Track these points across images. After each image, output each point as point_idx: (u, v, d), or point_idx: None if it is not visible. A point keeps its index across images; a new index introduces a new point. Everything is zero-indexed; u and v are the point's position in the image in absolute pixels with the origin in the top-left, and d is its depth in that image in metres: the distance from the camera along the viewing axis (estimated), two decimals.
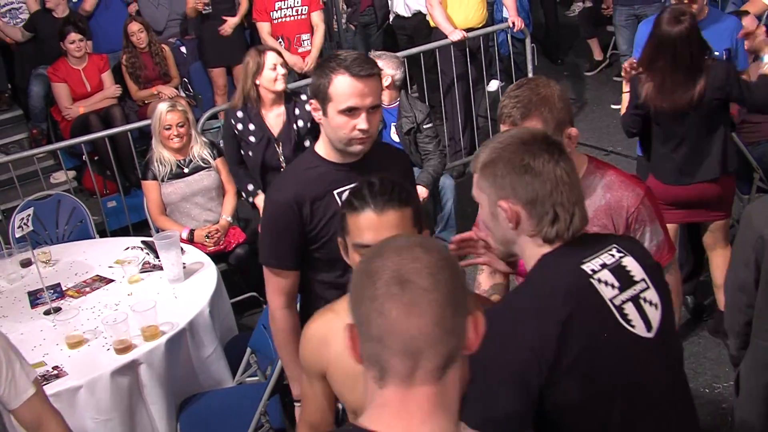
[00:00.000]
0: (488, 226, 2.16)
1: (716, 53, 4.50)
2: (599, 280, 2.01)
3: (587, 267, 2.02)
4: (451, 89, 7.48)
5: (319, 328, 2.38)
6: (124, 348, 3.70)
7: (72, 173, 7.52)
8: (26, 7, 8.09)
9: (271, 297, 3.05)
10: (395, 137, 5.83)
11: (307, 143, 5.14)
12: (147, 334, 3.77)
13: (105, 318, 3.90)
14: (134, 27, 7.56)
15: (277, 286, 3.02)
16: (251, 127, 5.16)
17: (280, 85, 5.12)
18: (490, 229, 2.16)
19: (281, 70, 5.11)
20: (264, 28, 7.44)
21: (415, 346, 1.43)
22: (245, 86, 5.19)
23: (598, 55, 9.51)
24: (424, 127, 5.86)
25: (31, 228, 4.55)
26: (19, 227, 4.49)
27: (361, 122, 2.79)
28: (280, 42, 7.42)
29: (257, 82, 5.13)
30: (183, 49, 8.31)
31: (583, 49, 9.81)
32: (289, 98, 5.23)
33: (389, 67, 5.68)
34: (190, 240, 5.24)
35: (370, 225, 2.19)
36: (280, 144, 5.18)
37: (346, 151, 2.89)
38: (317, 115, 2.89)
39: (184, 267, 4.39)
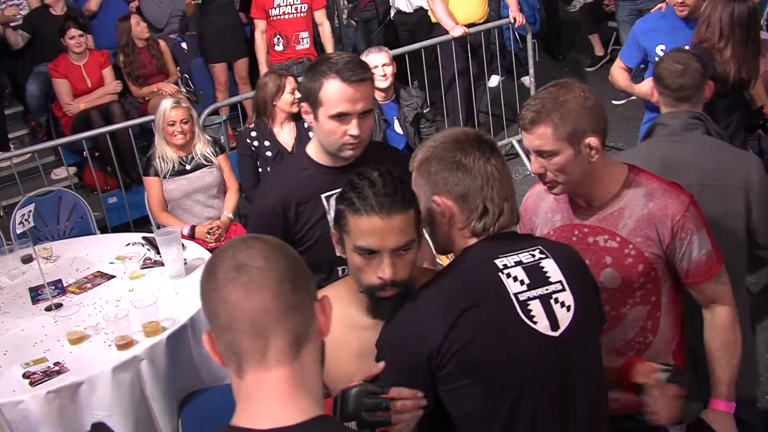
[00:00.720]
0: (426, 224, 2.23)
1: None
2: (508, 275, 2.09)
3: (500, 261, 2.11)
4: (452, 85, 7.48)
5: None
6: (125, 344, 3.69)
7: (73, 169, 7.53)
8: (26, 4, 8.09)
9: None
10: (399, 130, 5.85)
11: None
12: (148, 330, 3.77)
13: (106, 314, 3.90)
14: (133, 20, 7.56)
15: None
16: (266, 143, 5.32)
17: (295, 108, 5.27)
18: (428, 227, 2.24)
19: (297, 94, 5.26)
20: (259, 25, 7.43)
21: (260, 324, 1.48)
22: (262, 106, 5.38)
23: (599, 51, 9.51)
24: (425, 111, 5.92)
25: (32, 224, 4.55)
26: (20, 223, 4.48)
27: (353, 128, 2.75)
28: (278, 39, 7.42)
29: (275, 103, 5.31)
30: (184, 45, 8.30)
31: (584, 45, 9.80)
32: (298, 115, 5.33)
33: (388, 58, 5.73)
34: (191, 236, 5.24)
35: (375, 230, 2.10)
36: None
37: (337, 156, 2.86)
38: (308, 119, 2.85)
39: (186, 263, 4.38)
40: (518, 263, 2.11)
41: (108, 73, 7.59)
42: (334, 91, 2.71)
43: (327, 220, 2.89)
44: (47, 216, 5.66)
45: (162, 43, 7.90)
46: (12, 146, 7.77)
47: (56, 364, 3.65)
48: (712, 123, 3.30)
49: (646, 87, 4.40)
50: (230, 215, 5.49)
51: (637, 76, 5.17)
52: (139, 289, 4.25)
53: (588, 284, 2.25)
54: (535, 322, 2.06)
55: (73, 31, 7.28)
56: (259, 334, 1.48)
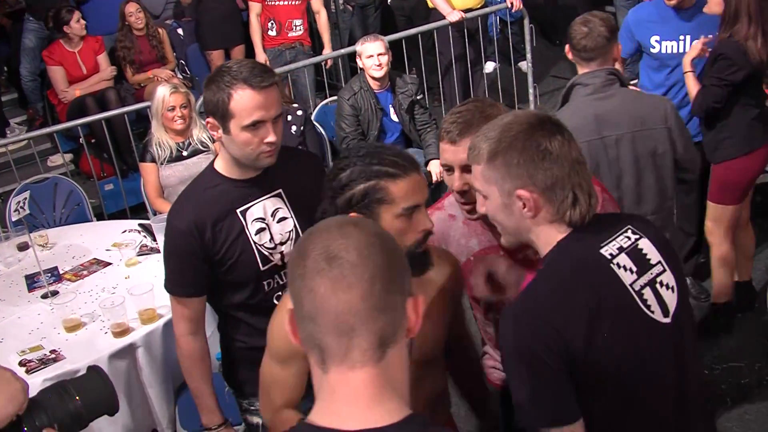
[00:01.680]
0: (497, 218, 2.08)
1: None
2: (618, 265, 1.97)
3: (605, 251, 1.98)
4: (449, 70, 7.46)
5: None
6: (121, 331, 3.68)
7: (69, 156, 7.50)
8: None
9: (176, 323, 2.95)
10: (395, 118, 5.84)
11: (300, 147, 5.31)
12: (144, 317, 3.76)
13: (102, 301, 3.89)
14: (131, 8, 7.52)
15: (181, 313, 2.91)
16: None
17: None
18: (500, 221, 2.08)
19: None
20: (254, 8, 7.39)
21: (345, 323, 1.41)
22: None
23: None
24: (419, 98, 5.91)
25: (27, 211, 4.54)
26: (15, 210, 4.47)
27: (270, 135, 2.65)
28: (272, 24, 7.39)
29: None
30: (180, 31, 8.27)
31: None
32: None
33: (384, 47, 5.72)
34: None
35: (417, 186, 2.18)
36: None
37: (254, 166, 2.76)
38: (216, 134, 2.71)
39: None
40: (620, 249, 2.00)
41: (103, 59, 7.56)
42: (245, 100, 2.60)
43: (246, 235, 2.79)
44: (43, 203, 5.64)
45: (162, 31, 7.86)
46: (8, 132, 7.76)
47: (52, 351, 3.64)
48: (623, 76, 3.56)
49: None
50: None
51: (631, 62, 5.16)
52: (135, 276, 4.24)
53: (676, 256, 2.14)
54: (652, 312, 1.97)
55: (77, 14, 7.26)
56: (343, 333, 1.42)
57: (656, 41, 4.57)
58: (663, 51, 4.58)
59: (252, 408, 3.02)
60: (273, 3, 7.32)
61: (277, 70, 6.70)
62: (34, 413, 1.55)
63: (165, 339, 3.76)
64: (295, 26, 7.43)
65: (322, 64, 7.36)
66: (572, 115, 3.33)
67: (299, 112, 5.41)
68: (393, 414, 1.42)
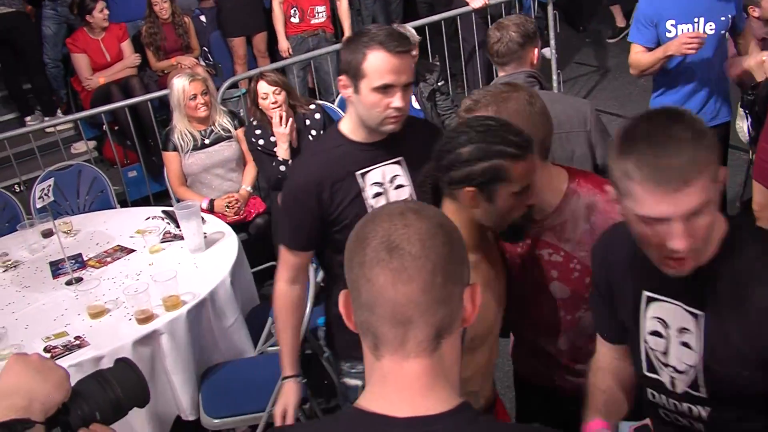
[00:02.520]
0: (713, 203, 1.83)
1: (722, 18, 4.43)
2: None
3: None
4: (472, 57, 7.44)
5: None
6: (145, 318, 3.70)
7: (92, 143, 7.53)
8: None
9: (280, 269, 3.03)
10: (417, 106, 5.82)
11: None
12: (168, 304, 3.77)
13: (126, 288, 3.90)
14: None
15: (286, 260, 2.99)
16: (272, 139, 5.18)
17: (276, 113, 5.10)
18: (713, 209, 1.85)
19: (272, 98, 5.10)
20: None
21: (403, 314, 1.39)
22: (251, 110, 5.30)
23: (620, 22, 9.39)
24: (439, 84, 5.87)
25: (52, 198, 4.54)
26: (40, 198, 4.47)
27: (397, 100, 2.69)
28: (295, 11, 7.38)
29: (260, 107, 5.19)
30: (203, 18, 8.27)
31: (605, 16, 9.70)
32: (294, 110, 5.25)
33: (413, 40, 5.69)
34: (210, 210, 5.24)
35: (533, 166, 2.25)
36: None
37: (378, 131, 2.79)
38: (346, 93, 2.77)
39: (205, 237, 4.38)
40: None
41: (127, 46, 7.56)
42: (378, 62, 2.65)
43: (362, 198, 2.84)
44: (67, 190, 5.67)
45: (188, 20, 7.85)
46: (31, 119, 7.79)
47: (77, 338, 3.66)
48: (543, 78, 3.68)
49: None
50: (249, 188, 5.48)
51: None
52: (158, 263, 4.25)
53: None
54: None
55: (101, 4, 7.26)
56: (400, 324, 1.39)
57: (672, 25, 4.51)
58: (679, 34, 4.52)
59: (353, 371, 3.06)
60: None
61: (299, 58, 6.71)
62: (76, 402, 1.54)
63: (189, 326, 3.77)
64: (318, 13, 7.42)
65: None
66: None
67: (317, 116, 5.29)
68: (444, 403, 1.41)
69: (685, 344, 2.03)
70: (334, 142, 2.90)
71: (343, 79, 2.75)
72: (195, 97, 5.28)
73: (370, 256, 1.41)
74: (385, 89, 2.67)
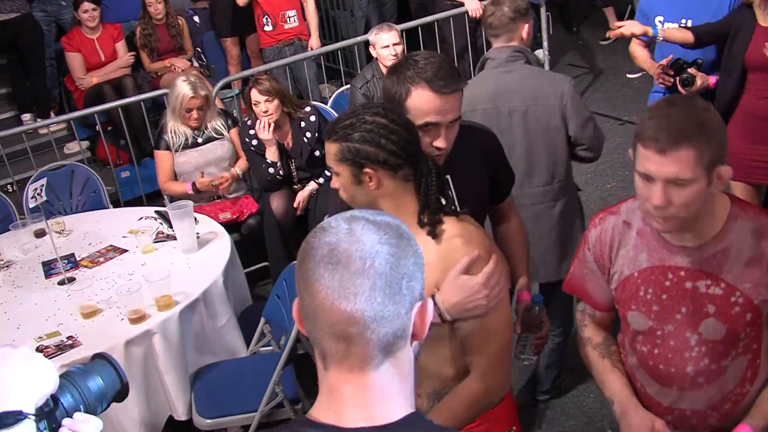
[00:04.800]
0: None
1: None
2: None
3: None
4: (463, 58, 7.44)
5: None
6: (138, 318, 3.70)
7: (85, 143, 7.51)
8: None
9: None
10: None
11: (317, 153, 5.32)
12: (161, 304, 3.77)
13: (119, 288, 3.90)
14: None
15: None
16: None
17: (260, 123, 5.17)
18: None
19: (264, 107, 5.15)
20: None
21: (342, 331, 1.36)
22: (250, 113, 5.33)
23: (613, 24, 9.38)
24: None
25: (44, 198, 4.54)
26: (32, 197, 4.47)
27: (440, 140, 2.52)
28: (267, 19, 7.41)
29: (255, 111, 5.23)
30: (196, 18, 8.28)
31: (598, 18, 9.70)
32: (291, 115, 5.32)
33: (398, 37, 5.70)
34: (196, 191, 5.31)
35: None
36: (293, 159, 5.38)
37: None
38: None
39: (198, 237, 4.38)
40: None
41: (121, 46, 7.56)
42: (422, 101, 2.48)
43: None
44: (60, 190, 5.66)
45: (182, 21, 7.86)
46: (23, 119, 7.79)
47: (69, 338, 3.66)
48: (532, 54, 3.85)
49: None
50: (239, 170, 5.52)
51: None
52: (151, 263, 4.26)
53: None
54: None
55: (87, 5, 7.26)
56: (341, 339, 1.37)
57: (659, 22, 4.57)
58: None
59: None
60: None
61: (275, 64, 6.72)
62: (66, 393, 1.57)
63: (181, 326, 3.77)
64: (289, 18, 7.44)
65: (338, 51, 7.33)
66: (474, 84, 3.61)
67: (312, 118, 5.35)
68: (392, 413, 1.41)
69: None
70: None
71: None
72: (190, 110, 5.31)
73: (312, 269, 1.38)
74: (426, 127, 2.50)
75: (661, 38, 4.52)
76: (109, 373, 1.65)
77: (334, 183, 2.35)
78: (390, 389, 1.42)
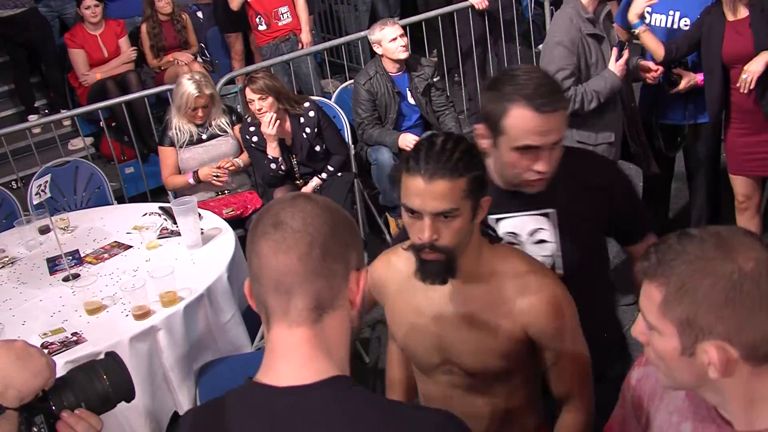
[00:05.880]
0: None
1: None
2: None
3: None
4: (469, 53, 7.42)
5: (379, 269, 2.43)
6: (142, 314, 3.70)
7: (89, 140, 7.52)
8: None
9: None
10: (413, 101, 5.82)
11: (317, 148, 5.39)
12: (165, 300, 3.77)
13: (123, 284, 3.90)
14: None
15: None
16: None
17: (266, 117, 5.19)
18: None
19: (258, 105, 5.18)
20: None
21: (284, 283, 1.52)
22: (248, 111, 5.37)
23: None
24: (435, 80, 5.87)
25: (48, 195, 4.53)
26: (36, 194, 4.47)
27: (540, 164, 2.34)
28: (260, 19, 7.40)
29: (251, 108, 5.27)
30: (199, 14, 8.28)
31: None
32: (289, 111, 5.34)
33: (401, 29, 5.70)
34: (198, 181, 5.37)
35: (417, 191, 2.05)
36: (295, 155, 5.42)
37: (517, 189, 2.46)
38: (484, 142, 2.41)
39: (202, 232, 4.38)
40: None
41: (124, 42, 7.57)
42: (521, 121, 2.29)
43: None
44: (64, 186, 5.67)
45: (186, 17, 7.85)
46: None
47: (74, 334, 3.66)
48: None
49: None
50: (241, 162, 5.54)
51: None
52: (156, 259, 4.25)
53: None
54: None
55: (89, 1, 7.26)
56: (282, 293, 1.52)
57: (648, 12, 4.59)
58: (653, 23, 4.64)
59: None
60: None
61: (274, 61, 6.71)
62: (62, 391, 1.58)
63: (186, 321, 3.77)
64: (282, 14, 7.44)
65: (342, 46, 7.32)
66: None
67: (311, 113, 5.36)
68: (321, 373, 1.52)
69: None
70: None
71: (481, 128, 2.42)
72: (195, 109, 5.34)
73: (258, 231, 1.56)
74: (526, 149, 2.32)
75: (636, 33, 4.52)
76: (116, 375, 1.65)
77: (441, 230, 2.09)
78: (322, 349, 1.54)
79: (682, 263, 1.50)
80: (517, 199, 2.48)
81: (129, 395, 1.67)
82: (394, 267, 2.40)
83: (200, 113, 5.36)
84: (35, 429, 1.52)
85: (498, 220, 2.53)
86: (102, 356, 1.71)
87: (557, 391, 2.37)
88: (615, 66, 4.17)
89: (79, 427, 1.57)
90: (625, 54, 4.21)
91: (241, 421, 1.56)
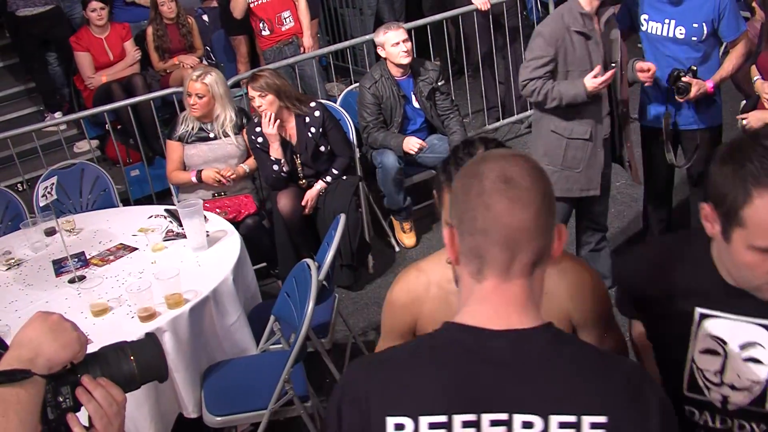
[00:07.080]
0: None
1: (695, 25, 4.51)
2: None
3: None
4: (474, 56, 7.42)
5: (410, 286, 2.44)
6: (148, 316, 3.71)
7: (95, 142, 7.53)
8: None
9: None
10: (417, 105, 5.83)
11: (322, 148, 5.41)
12: (171, 302, 3.78)
13: (129, 286, 3.91)
14: None
15: None
16: None
17: (264, 114, 5.25)
18: None
19: (258, 102, 5.25)
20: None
21: (514, 238, 1.55)
22: (253, 110, 5.42)
23: None
24: (440, 84, 5.89)
25: (54, 197, 4.54)
26: (43, 196, 4.48)
27: None
28: (263, 25, 7.41)
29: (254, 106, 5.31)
30: (205, 17, 8.28)
31: None
32: (292, 110, 5.38)
33: (405, 33, 5.72)
34: (199, 180, 5.41)
35: None
36: (299, 155, 5.43)
37: (751, 291, 1.93)
38: (710, 228, 1.90)
39: (208, 235, 4.39)
40: None
41: (130, 45, 7.57)
42: None
43: (687, 342, 2.08)
44: (70, 189, 5.68)
45: (191, 20, 7.86)
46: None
47: None
48: None
49: None
50: (247, 168, 5.56)
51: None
52: (161, 261, 4.26)
53: None
54: None
55: (95, 4, 7.27)
56: (510, 248, 1.56)
57: (645, 20, 4.62)
58: (649, 31, 4.65)
59: None
60: (257, 3, 7.41)
61: (280, 63, 6.72)
62: (90, 365, 1.64)
63: (191, 324, 3.78)
64: (285, 19, 7.45)
65: (347, 49, 7.32)
66: None
67: (316, 113, 5.38)
68: (533, 320, 1.59)
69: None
70: (700, 259, 2.04)
71: (708, 210, 1.88)
72: (190, 95, 5.38)
73: (487, 186, 1.56)
74: None
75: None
76: (145, 357, 1.70)
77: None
78: (532, 300, 1.61)
79: None
80: (744, 300, 1.95)
81: (160, 377, 1.72)
82: (428, 280, 2.42)
83: (194, 102, 5.38)
84: (60, 398, 1.58)
85: (704, 316, 2.02)
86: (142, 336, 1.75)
87: None
88: (590, 81, 4.30)
89: (96, 393, 1.60)
90: (608, 74, 4.31)
91: (456, 359, 1.59)
